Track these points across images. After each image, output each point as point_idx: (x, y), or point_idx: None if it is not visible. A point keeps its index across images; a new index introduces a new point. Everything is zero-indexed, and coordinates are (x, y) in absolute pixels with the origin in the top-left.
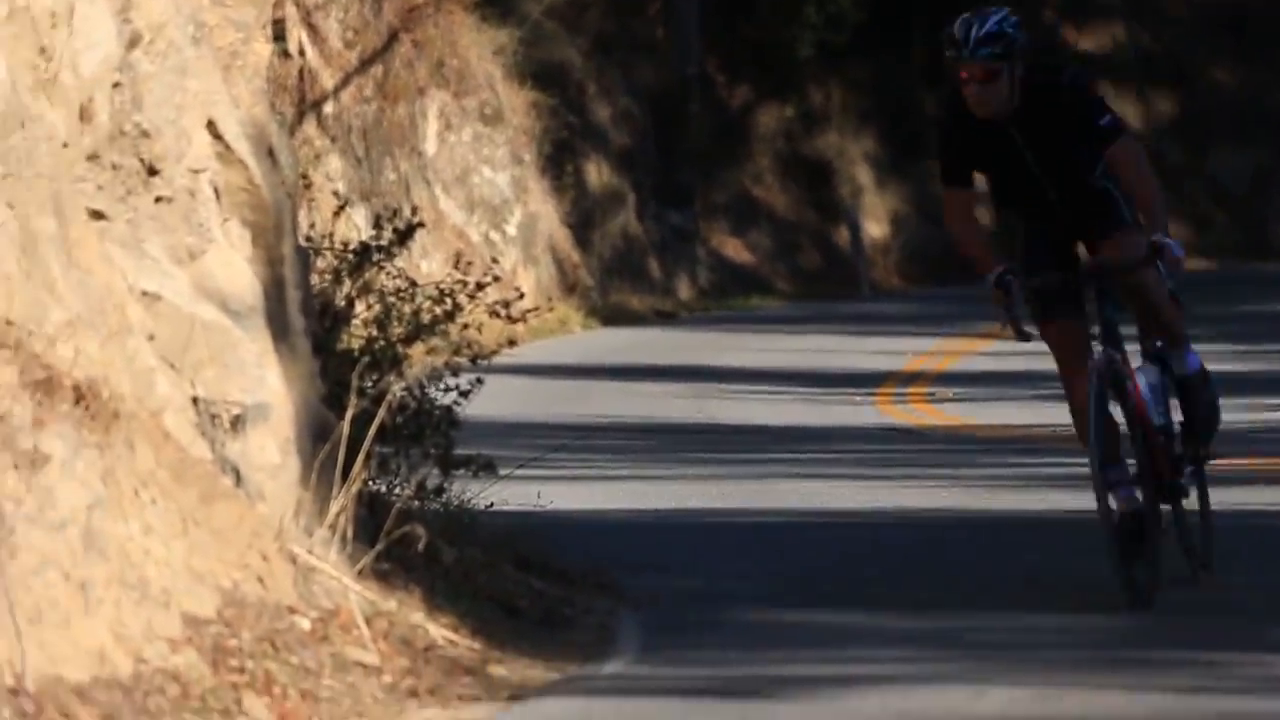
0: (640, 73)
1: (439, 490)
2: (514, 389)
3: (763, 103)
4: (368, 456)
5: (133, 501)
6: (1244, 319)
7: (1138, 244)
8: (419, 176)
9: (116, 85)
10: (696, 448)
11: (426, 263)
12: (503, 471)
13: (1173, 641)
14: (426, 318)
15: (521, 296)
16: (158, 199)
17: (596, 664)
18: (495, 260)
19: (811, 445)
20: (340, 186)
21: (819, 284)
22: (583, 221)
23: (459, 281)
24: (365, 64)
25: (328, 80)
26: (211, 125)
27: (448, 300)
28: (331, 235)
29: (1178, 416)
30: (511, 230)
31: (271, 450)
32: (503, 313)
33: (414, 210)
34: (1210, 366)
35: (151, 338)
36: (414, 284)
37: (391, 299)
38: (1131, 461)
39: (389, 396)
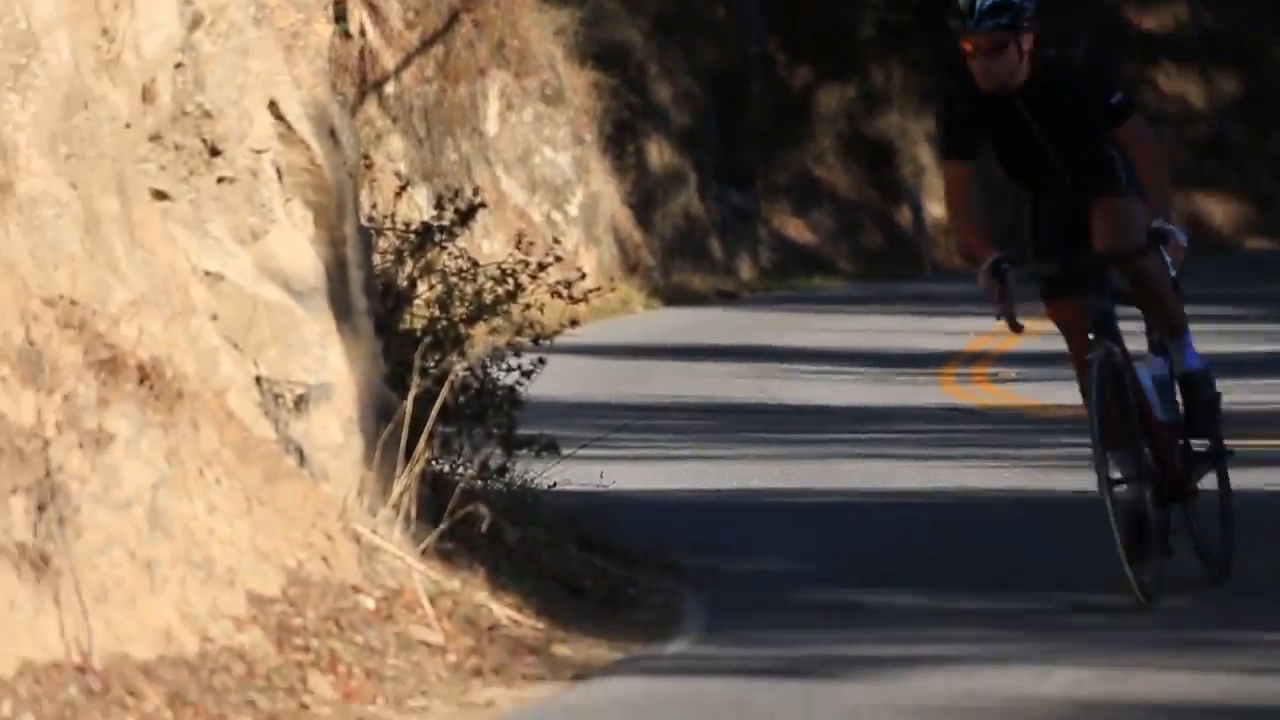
0: (701, 52)
1: (502, 470)
2: (576, 369)
3: (824, 83)
4: (430, 436)
5: (197, 481)
6: None
7: (1130, 212)
8: (480, 157)
9: (179, 66)
10: (758, 428)
11: (488, 243)
12: (565, 451)
13: (1238, 623)
14: (489, 298)
15: (583, 276)
16: (220, 179)
17: (660, 644)
18: (557, 240)
19: (873, 425)
20: (402, 167)
21: (881, 264)
22: (644, 201)
23: (521, 261)
24: (426, 44)
25: (389, 61)
26: (273, 106)
27: (510, 280)
28: (393, 215)
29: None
30: (573, 210)
31: (335, 430)
32: (564, 293)
33: (475, 190)
34: (1271, 347)
35: (215, 318)
36: (476, 264)
37: (454, 279)
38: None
39: (451, 376)
